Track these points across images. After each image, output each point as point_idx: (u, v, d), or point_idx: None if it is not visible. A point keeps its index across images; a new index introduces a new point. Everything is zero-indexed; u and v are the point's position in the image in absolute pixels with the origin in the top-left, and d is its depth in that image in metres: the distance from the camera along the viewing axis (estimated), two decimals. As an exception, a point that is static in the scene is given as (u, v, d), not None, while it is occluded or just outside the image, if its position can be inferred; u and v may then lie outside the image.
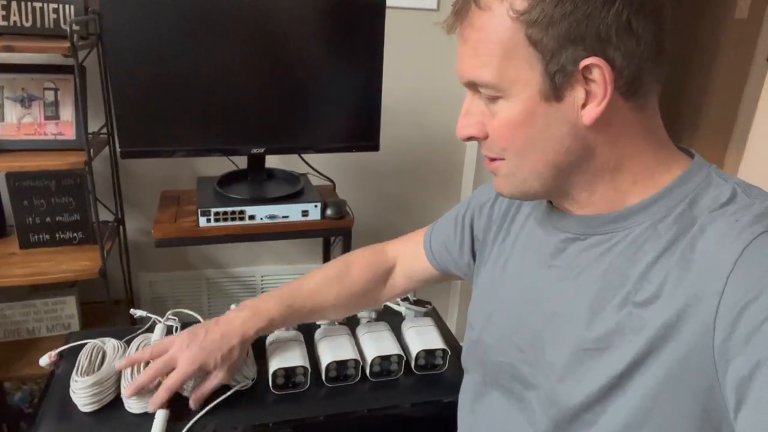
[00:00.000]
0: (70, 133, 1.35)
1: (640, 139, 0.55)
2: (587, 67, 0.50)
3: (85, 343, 0.87)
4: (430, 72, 1.70)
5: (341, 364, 0.87)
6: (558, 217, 0.62)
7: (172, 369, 0.78)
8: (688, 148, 0.59)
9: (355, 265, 0.90)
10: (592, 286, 0.56)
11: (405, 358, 0.90)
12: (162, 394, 0.76)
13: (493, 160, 0.59)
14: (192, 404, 0.79)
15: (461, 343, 1.01)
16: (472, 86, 0.56)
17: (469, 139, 0.59)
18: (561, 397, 0.57)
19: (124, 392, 0.78)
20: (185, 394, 0.80)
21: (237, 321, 0.82)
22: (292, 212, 1.29)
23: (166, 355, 0.78)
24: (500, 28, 0.51)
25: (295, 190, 1.35)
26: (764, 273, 0.44)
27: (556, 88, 0.51)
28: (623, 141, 0.54)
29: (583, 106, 0.51)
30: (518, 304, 0.66)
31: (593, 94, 0.51)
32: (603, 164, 0.55)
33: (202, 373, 0.79)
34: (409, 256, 0.91)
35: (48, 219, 1.43)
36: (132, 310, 1.02)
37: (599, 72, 0.49)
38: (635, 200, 0.55)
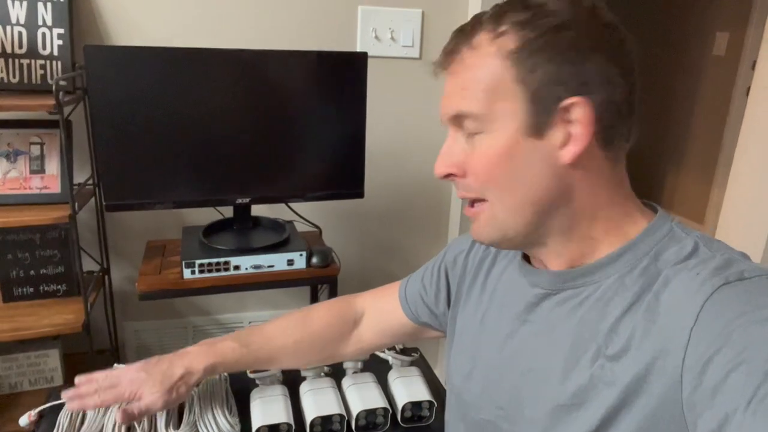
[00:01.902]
0: (55, 187, 1.36)
1: (612, 189, 0.57)
2: (568, 108, 0.52)
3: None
4: (413, 118, 1.73)
5: (326, 419, 0.86)
6: (531, 272, 0.63)
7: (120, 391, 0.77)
8: (652, 203, 0.61)
9: (318, 313, 0.89)
10: (566, 340, 0.57)
11: (391, 411, 0.89)
12: (95, 403, 0.77)
13: (473, 204, 0.60)
14: (117, 417, 0.75)
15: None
16: (456, 120, 0.58)
17: (446, 176, 0.60)
18: None
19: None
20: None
21: (189, 354, 0.82)
22: (277, 262, 1.29)
23: (113, 373, 0.80)
24: (489, 66, 0.54)
25: (280, 238, 1.35)
26: (726, 325, 0.45)
27: (537, 125, 0.53)
28: (598, 188, 0.56)
29: (563, 146, 0.53)
30: (496, 360, 0.66)
31: (573, 135, 0.53)
32: (581, 210, 0.57)
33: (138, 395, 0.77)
34: (380, 310, 0.89)
35: (32, 272, 1.42)
36: (115, 365, 1.00)
37: (581, 111, 0.52)
38: (604, 251, 0.57)
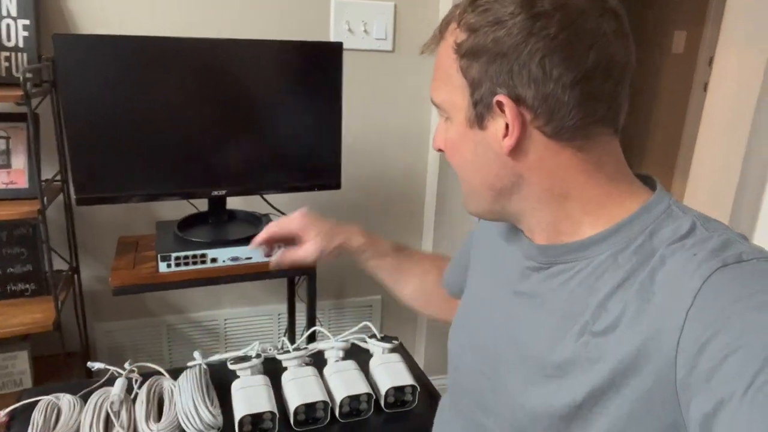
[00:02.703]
0: (22, 182, 1.32)
1: (582, 175, 0.56)
2: (500, 102, 0.54)
3: (39, 400, 0.83)
4: (388, 110, 1.74)
5: (310, 407, 0.86)
6: (525, 245, 0.65)
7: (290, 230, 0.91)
8: (653, 178, 0.60)
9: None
10: (554, 313, 0.58)
11: (374, 397, 0.89)
12: (262, 234, 0.92)
13: None
14: (273, 262, 0.91)
15: (430, 378, 1.01)
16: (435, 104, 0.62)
17: (440, 150, 0.65)
18: (523, 425, 0.58)
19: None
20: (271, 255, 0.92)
21: (351, 230, 0.92)
22: (255, 254, 1.28)
23: (288, 216, 0.93)
24: (446, 57, 0.57)
25: (257, 230, 1.33)
26: (723, 309, 0.44)
27: (478, 117, 0.56)
28: (560, 173, 0.56)
29: (503, 137, 0.55)
30: (486, 330, 0.67)
31: (509, 128, 0.54)
32: (541, 191, 0.58)
33: (300, 239, 0.90)
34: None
35: (-2, 271, 1.37)
36: (89, 363, 0.98)
37: (508, 105, 0.53)
38: (592, 230, 0.57)
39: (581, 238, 0.57)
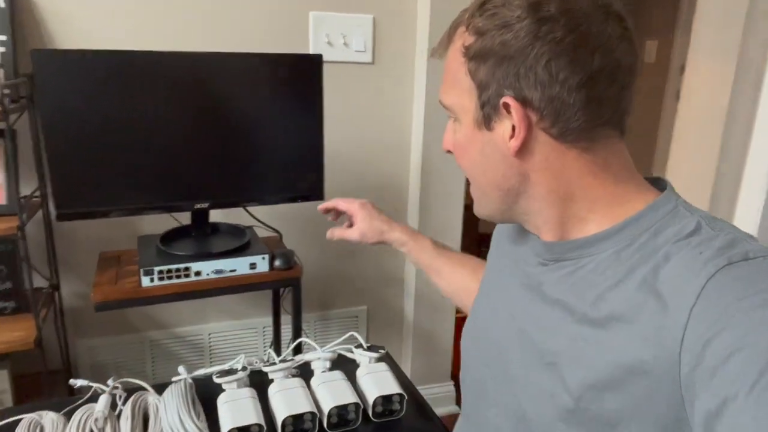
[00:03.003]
0: (0, 199, 1.30)
1: (588, 176, 0.57)
2: (507, 104, 0.55)
3: (21, 419, 0.82)
4: (369, 122, 1.75)
5: (297, 419, 0.85)
6: (533, 243, 0.66)
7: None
8: (665, 180, 0.61)
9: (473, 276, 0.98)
10: (555, 304, 0.59)
11: (362, 407, 0.89)
12: (328, 203, 1.09)
13: None
14: (328, 235, 1.08)
15: (417, 388, 1.02)
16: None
17: (449, 151, 0.66)
18: (524, 415, 0.59)
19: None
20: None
21: (394, 223, 1.05)
22: (239, 266, 1.28)
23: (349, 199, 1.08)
24: (454, 60, 0.59)
25: (241, 243, 1.33)
26: (727, 307, 0.44)
27: (485, 118, 0.57)
28: (566, 174, 0.57)
29: (510, 138, 0.56)
30: (493, 324, 0.69)
31: (515, 129, 0.56)
32: (548, 192, 0.59)
33: (352, 221, 1.07)
34: None
35: (-24, 289, 1.35)
36: (71, 381, 0.97)
37: (515, 106, 0.55)
38: (597, 228, 0.58)
39: (586, 235, 0.59)
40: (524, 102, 0.54)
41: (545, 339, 0.58)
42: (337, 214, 1.11)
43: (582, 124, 0.55)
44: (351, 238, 1.07)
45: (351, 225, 1.06)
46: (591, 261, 0.57)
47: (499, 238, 0.79)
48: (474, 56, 0.56)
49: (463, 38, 0.57)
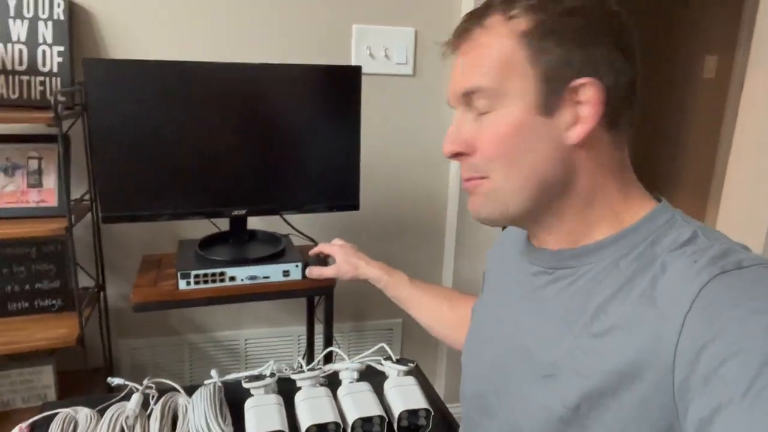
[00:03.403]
0: (52, 201, 1.36)
1: (612, 175, 0.58)
2: (577, 89, 0.54)
3: (58, 413, 0.85)
4: (407, 134, 1.75)
5: (321, 428, 0.85)
6: (532, 251, 0.65)
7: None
8: (659, 195, 0.61)
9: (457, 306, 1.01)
10: (554, 315, 0.58)
11: (387, 419, 0.88)
12: (315, 249, 1.27)
13: (472, 179, 0.62)
14: (307, 273, 1.28)
15: (450, 405, 1.00)
16: (466, 98, 0.59)
17: (455, 155, 0.62)
18: (523, 428, 0.58)
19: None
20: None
21: (377, 263, 1.13)
22: (273, 272, 1.29)
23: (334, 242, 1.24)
24: (502, 45, 0.56)
25: (276, 250, 1.35)
26: (721, 314, 0.45)
27: (547, 104, 0.55)
28: (600, 171, 0.57)
29: (570, 126, 0.55)
30: (494, 337, 0.68)
31: (581, 116, 0.54)
32: (581, 191, 0.58)
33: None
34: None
35: (27, 286, 1.41)
36: (109, 379, 1.00)
37: (590, 92, 0.54)
38: (599, 236, 0.58)
39: (587, 243, 0.58)
40: (598, 89, 0.54)
41: (544, 351, 0.57)
42: (327, 256, 1.26)
43: (628, 116, 0.57)
44: (328, 274, 1.22)
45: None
46: (590, 270, 0.57)
47: (498, 253, 0.78)
48: (540, 39, 0.54)
49: (512, 24, 0.56)
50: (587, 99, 0.54)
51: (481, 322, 0.74)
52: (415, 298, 1.05)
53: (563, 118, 0.55)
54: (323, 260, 1.28)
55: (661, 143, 3.49)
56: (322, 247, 1.24)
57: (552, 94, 0.55)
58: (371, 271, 1.11)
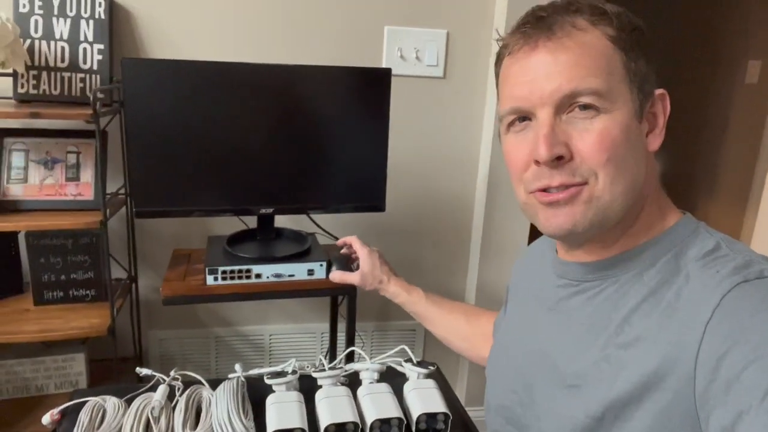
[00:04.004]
0: (89, 194, 1.41)
1: (654, 182, 0.60)
2: (656, 98, 0.57)
3: (87, 401, 0.88)
4: (437, 136, 1.75)
5: (340, 427, 0.86)
6: (560, 264, 0.66)
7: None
8: (683, 210, 0.62)
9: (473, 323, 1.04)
10: (579, 328, 0.59)
11: (405, 422, 0.89)
12: (346, 238, 1.29)
13: (570, 187, 0.57)
14: (331, 276, 1.27)
15: (471, 409, 1.00)
16: (569, 99, 0.55)
17: (558, 158, 0.57)
18: None
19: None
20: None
21: (393, 276, 1.19)
22: (297, 271, 1.31)
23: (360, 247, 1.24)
24: (602, 47, 0.55)
25: (301, 249, 1.37)
26: (741, 322, 0.45)
27: (640, 111, 0.57)
28: (653, 182, 0.59)
29: (648, 133, 0.57)
30: (520, 349, 0.69)
31: (657, 125, 0.57)
32: (640, 203, 0.59)
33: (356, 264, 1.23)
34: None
35: (63, 276, 1.46)
36: (138, 369, 1.03)
37: (666, 102, 0.57)
38: (632, 244, 0.58)
39: (620, 252, 0.59)
40: (668, 99, 0.58)
41: (568, 361, 0.58)
42: (354, 259, 1.26)
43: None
44: (352, 281, 1.22)
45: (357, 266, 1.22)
46: (614, 282, 0.57)
47: (524, 266, 0.78)
48: (631, 48, 0.56)
49: (602, 29, 0.55)
50: (662, 109, 0.57)
51: (505, 335, 0.75)
52: (430, 313, 1.09)
53: (645, 125, 0.57)
54: (348, 260, 1.28)
55: (701, 149, 3.41)
56: (354, 243, 1.24)
57: (643, 102, 0.57)
58: (391, 288, 1.16)
